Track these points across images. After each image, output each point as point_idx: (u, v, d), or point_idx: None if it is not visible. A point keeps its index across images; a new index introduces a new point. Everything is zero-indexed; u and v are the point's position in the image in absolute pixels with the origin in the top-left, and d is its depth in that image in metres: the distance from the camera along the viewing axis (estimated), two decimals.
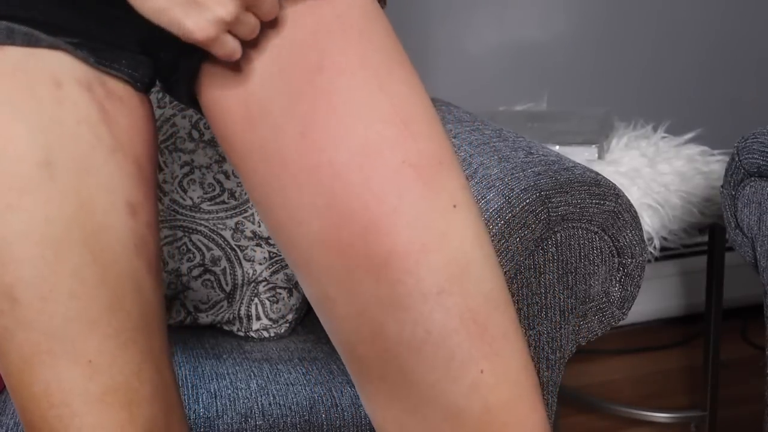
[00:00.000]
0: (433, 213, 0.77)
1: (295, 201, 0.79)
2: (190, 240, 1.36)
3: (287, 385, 1.19)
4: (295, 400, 1.16)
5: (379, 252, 0.76)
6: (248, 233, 1.36)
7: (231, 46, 0.77)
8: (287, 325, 1.39)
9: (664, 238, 1.66)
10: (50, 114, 0.78)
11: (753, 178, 1.31)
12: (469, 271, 0.78)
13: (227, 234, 1.36)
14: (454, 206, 0.78)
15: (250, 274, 1.37)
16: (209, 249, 1.36)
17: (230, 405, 1.15)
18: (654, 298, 2.29)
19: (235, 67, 0.81)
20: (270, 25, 0.80)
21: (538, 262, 1.12)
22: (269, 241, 1.36)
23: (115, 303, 0.79)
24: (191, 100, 0.87)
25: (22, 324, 0.77)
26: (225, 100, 0.82)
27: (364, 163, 0.77)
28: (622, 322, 1.20)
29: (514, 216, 1.09)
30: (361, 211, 0.77)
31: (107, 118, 0.81)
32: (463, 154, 1.23)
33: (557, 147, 1.66)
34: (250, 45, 0.80)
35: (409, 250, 0.76)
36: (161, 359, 0.84)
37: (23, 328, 0.78)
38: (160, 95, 1.37)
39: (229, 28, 0.76)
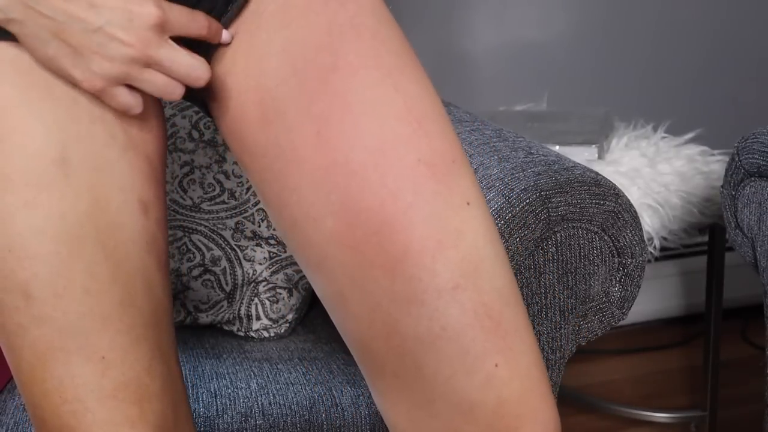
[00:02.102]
0: (447, 210, 0.78)
1: (310, 199, 0.80)
2: (190, 240, 1.36)
3: (287, 384, 1.19)
4: (295, 399, 1.16)
5: (395, 248, 0.77)
6: (248, 233, 1.36)
7: (123, 101, 0.79)
8: (287, 325, 1.39)
9: (664, 238, 1.66)
10: (66, 112, 0.79)
11: (753, 178, 1.31)
12: (483, 268, 0.79)
13: (227, 234, 1.36)
14: (468, 203, 0.79)
15: (250, 274, 1.37)
16: (209, 249, 1.36)
17: (230, 404, 1.15)
18: (654, 298, 2.30)
19: (250, 68, 0.82)
20: (283, 26, 0.81)
21: (538, 262, 1.12)
22: (269, 241, 1.37)
23: (127, 299, 0.80)
24: (195, 97, 0.88)
25: (36, 320, 0.78)
26: (239, 99, 0.83)
27: (379, 161, 0.78)
28: (622, 322, 1.20)
29: (514, 216, 1.09)
30: (376, 208, 0.78)
31: (121, 117, 0.82)
32: None
33: (557, 147, 1.66)
34: (265, 46, 0.81)
35: (425, 247, 0.77)
36: (170, 355, 0.85)
37: (37, 325, 0.78)
38: None
39: (123, 82, 0.78)
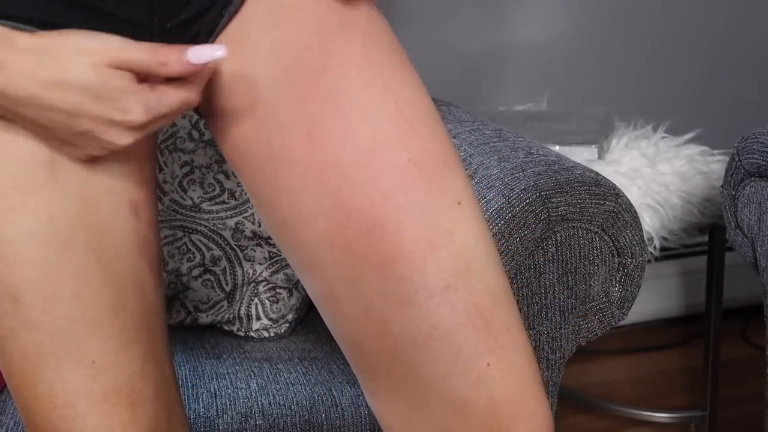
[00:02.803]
0: (438, 210, 0.78)
1: (302, 199, 0.79)
2: (190, 240, 1.36)
3: (287, 384, 1.19)
4: (295, 399, 1.16)
5: (386, 249, 0.78)
6: (248, 233, 1.36)
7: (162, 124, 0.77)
8: (287, 325, 1.39)
9: (664, 238, 1.66)
10: None
11: (753, 178, 1.31)
12: (474, 267, 0.79)
13: (227, 234, 1.36)
14: (459, 204, 0.79)
15: (250, 274, 1.37)
16: (209, 249, 1.36)
17: (230, 404, 1.15)
18: (654, 298, 2.29)
19: (240, 69, 0.81)
20: (273, 26, 0.80)
21: (538, 262, 1.12)
22: (269, 241, 1.36)
23: (118, 303, 0.80)
24: None
25: (26, 325, 0.78)
26: (230, 101, 0.82)
27: (370, 162, 0.78)
28: (622, 322, 1.20)
29: (514, 216, 1.09)
30: (367, 209, 0.78)
31: None
32: (463, 154, 1.23)
33: (557, 147, 1.66)
34: (254, 47, 0.81)
35: (416, 247, 0.77)
36: (163, 358, 0.84)
37: (27, 330, 0.78)
38: None
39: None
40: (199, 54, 0.73)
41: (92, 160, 0.79)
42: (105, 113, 0.72)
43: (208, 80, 0.82)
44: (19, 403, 0.81)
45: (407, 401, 0.81)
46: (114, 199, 0.80)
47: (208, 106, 0.84)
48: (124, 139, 0.74)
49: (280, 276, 1.38)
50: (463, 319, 0.78)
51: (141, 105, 0.72)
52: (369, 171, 0.78)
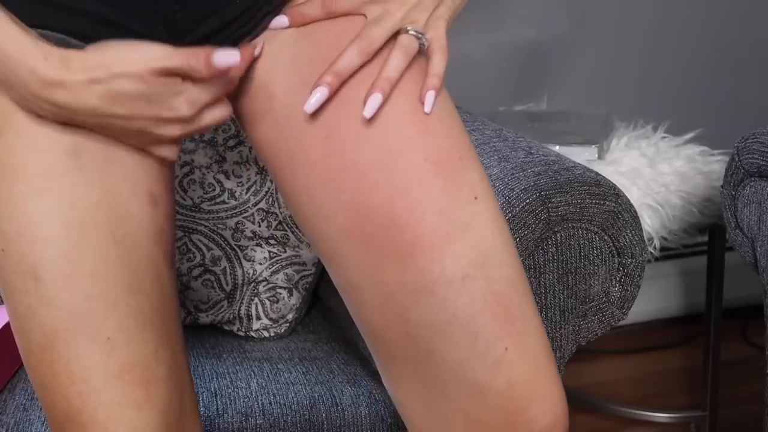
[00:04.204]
0: (455, 205, 0.81)
1: (321, 198, 0.83)
2: (190, 240, 1.36)
3: (287, 384, 1.19)
4: (295, 399, 1.16)
5: (404, 243, 0.80)
6: (248, 233, 1.36)
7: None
8: (287, 324, 1.39)
9: (664, 238, 1.66)
10: None
11: (753, 178, 1.31)
12: (491, 258, 0.81)
13: (227, 234, 1.36)
14: (475, 198, 0.82)
15: (250, 274, 1.37)
16: (209, 249, 1.36)
17: (230, 404, 1.15)
18: (654, 298, 2.29)
19: (260, 77, 0.86)
20: (293, 43, 0.86)
21: (538, 262, 1.12)
22: (269, 241, 1.37)
23: (135, 285, 0.82)
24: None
25: (45, 301, 0.80)
26: (252, 104, 0.87)
27: (386, 163, 0.81)
28: (622, 322, 1.20)
29: (514, 216, 1.09)
30: (385, 206, 0.81)
31: None
32: None
33: (557, 147, 1.66)
34: (274, 59, 0.86)
35: (434, 241, 0.80)
36: (176, 346, 0.87)
37: (45, 306, 0.80)
38: None
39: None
40: (221, 59, 0.79)
41: (114, 152, 0.83)
42: (156, 113, 0.79)
43: (241, 82, 0.88)
44: (37, 381, 0.83)
45: (426, 386, 0.83)
46: (134, 189, 0.84)
47: (237, 108, 0.89)
48: (176, 131, 0.82)
49: (280, 276, 1.38)
50: (481, 307, 0.80)
51: (187, 102, 0.80)
52: (385, 171, 0.81)
